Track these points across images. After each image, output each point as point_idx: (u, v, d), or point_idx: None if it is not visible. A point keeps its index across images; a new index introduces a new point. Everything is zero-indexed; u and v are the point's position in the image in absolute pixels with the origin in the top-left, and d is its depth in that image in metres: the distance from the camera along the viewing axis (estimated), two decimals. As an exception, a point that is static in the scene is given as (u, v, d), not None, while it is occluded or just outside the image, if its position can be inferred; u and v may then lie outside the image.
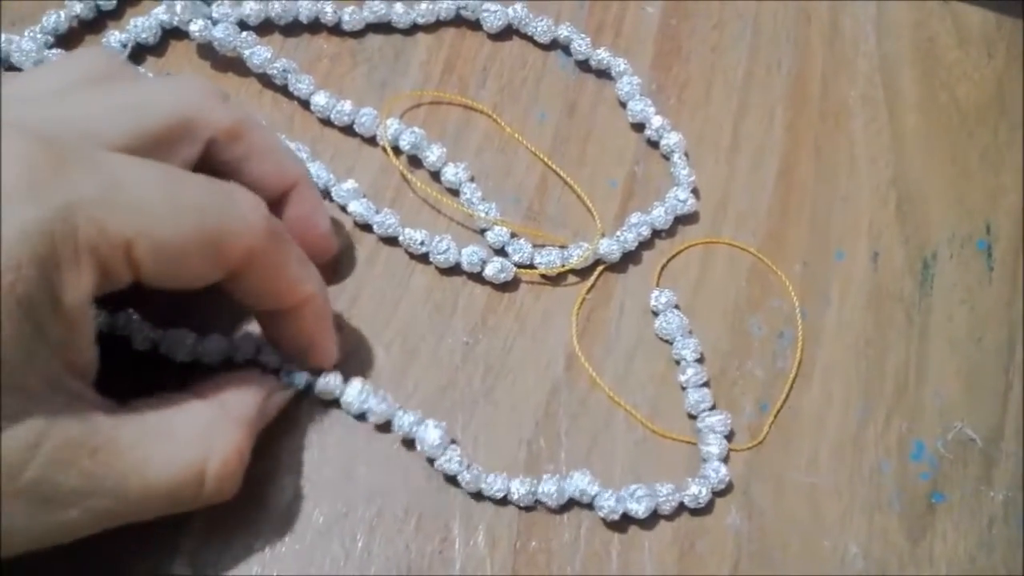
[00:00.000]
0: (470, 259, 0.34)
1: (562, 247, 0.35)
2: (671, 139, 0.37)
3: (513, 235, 0.35)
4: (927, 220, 0.38)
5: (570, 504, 0.31)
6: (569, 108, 0.38)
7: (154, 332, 0.30)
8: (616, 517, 0.31)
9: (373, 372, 0.32)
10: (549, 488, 0.30)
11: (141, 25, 0.36)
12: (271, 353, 0.30)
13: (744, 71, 0.40)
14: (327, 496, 0.30)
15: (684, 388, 0.33)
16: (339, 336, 0.30)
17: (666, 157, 0.38)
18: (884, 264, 0.37)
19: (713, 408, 0.33)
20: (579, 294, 0.35)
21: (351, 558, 0.29)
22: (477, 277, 0.34)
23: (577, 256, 0.34)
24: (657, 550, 0.31)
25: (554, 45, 0.39)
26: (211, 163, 0.29)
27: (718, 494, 0.32)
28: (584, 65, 0.39)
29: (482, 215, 0.35)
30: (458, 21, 0.39)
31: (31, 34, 0.35)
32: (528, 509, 0.31)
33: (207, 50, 0.37)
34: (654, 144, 0.38)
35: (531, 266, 0.35)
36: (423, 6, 0.38)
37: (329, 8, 0.38)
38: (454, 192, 0.36)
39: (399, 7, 0.38)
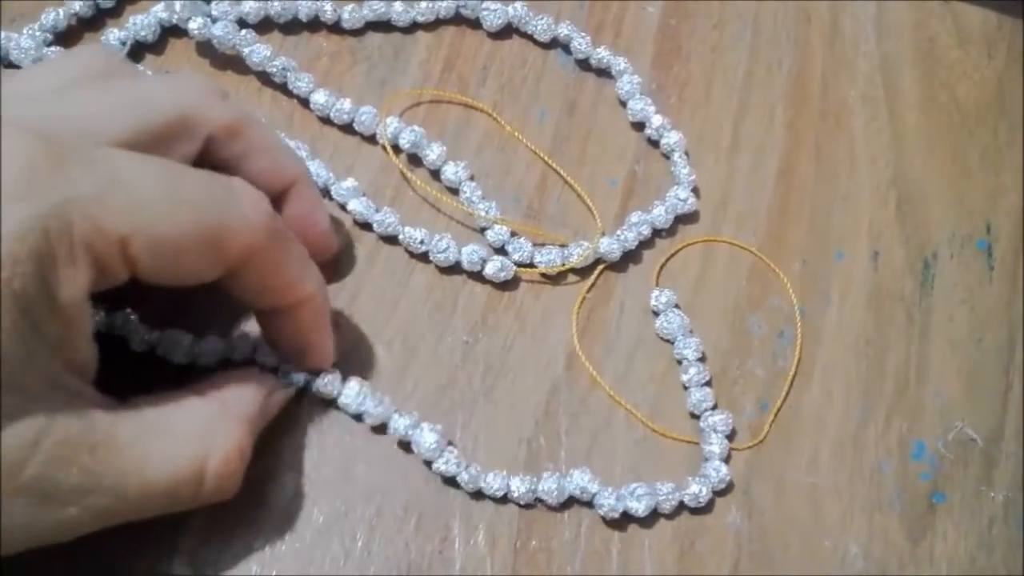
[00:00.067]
0: (470, 258, 0.34)
1: (562, 246, 0.35)
2: (671, 138, 0.37)
3: (513, 234, 0.35)
4: (927, 220, 0.38)
5: (570, 502, 0.31)
6: (569, 107, 0.38)
7: (151, 334, 0.30)
8: (616, 515, 0.30)
9: (373, 371, 0.32)
10: (549, 486, 0.30)
11: (140, 23, 0.36)
12: (268, 354, 0.30)
13: (744, 70, 0.40)
14: (327, 495, 0.30)
15: (686, 388, 0.33)
16: (337, 335, 0.30)
17: (666, 156, 0.37)
18: (884, 264, 0.37)
19: (715, 407, 0.33)
20: (579, 293, 0.35)
21: (351, 557, 0.29)
22: (477, 276, 0.34)
23: (577, 255, 0.34)
24: (657, 549, 0.31)
25: (554, 44, 0.39)
26: (210, 160, 0.29)
27: (718, 494, 0.32)
28: (584, 64, 0.39)
29: (482, 214, 0.34)
30: (458, 19, 0.39)
31: (30, 32, 0.35)
32: (528, 507, 0.31)
33: (206, 48, 0.37)
34: (654, 143, 0.38)
35: (531, 265, 0.34)
36: (423, 4, 0.38)
37: (328, 6, 0.37)
38: (454, 191, 0.36)
39: (399, 5, 0.38)
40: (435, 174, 0.36)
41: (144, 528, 0.26)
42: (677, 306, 0.34)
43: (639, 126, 0.38)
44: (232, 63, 0.37)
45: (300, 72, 0.36)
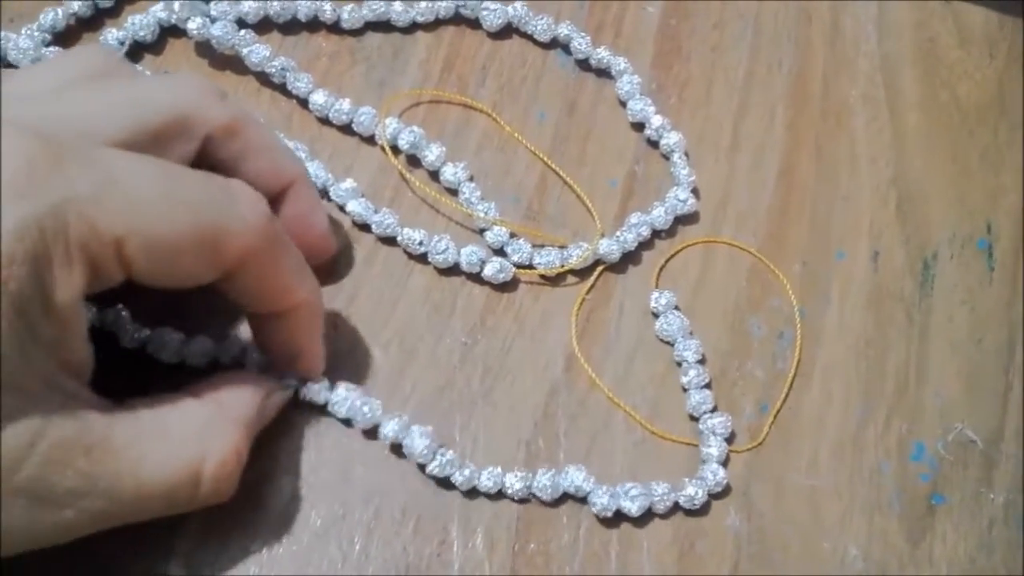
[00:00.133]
0: (469, 259, 0.34)
1: (561, 247, 0.35)
2: (671, 139, 0.37)
3: (512, 235, 0.35)
4: (928, 220, 0.38)
5: (565, 499, 0.31)
6: (569, 107, 0.38)
7: (141, 332, 0.30)
8: (609, 514, 0.30)
9: (371, 372, 0.32)
10: (543, 482, 0.30)
11: (139, 23, 0.36)
12: (257, 357, 0.30)
13: (745, 70, 0.40)
14: (324, 498, 0.30)
15: (686, 390, 0.33)
16: (335, 335, 0.30)
17: (666, 157, 0.37)
18: (884, 264, 0.37)
19: (714, 410, 0.33)
20: (579, 294, 0.34)
21: (348, 560, 0.29)
22: (476, 277, 0.34)
23: (576, 256, 0.34)
24: (656, 551, 0.31)
25: (554, 44, 0.39)
26: (208, 160, 0.28)
27: (715, 496, 0.32)
28: (584, 64, 0.39)
29: (481, 215, 0.34)
30: (457, 19, 0.39)
31: (28, 32, 0.35)
32: (523, 502, 0.31)
33: (205, 48, 0.37)
34: (654, 144, 0.38)
35: (530, 266, 0.34)
36: (422, 5, 0.38)
37: (328, 6, 0.37)
38: (453, 192, 0.35)
39: (398, 6, 0.38)
40: (434, 175, 0.36)
41: (140, 530, 0.25)
42: (677, 308, 0.34)
43: (639, 126, 0.38)
44: (231, 63, 0.37)
45: (299, 72, 0.36)
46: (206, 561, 0.28)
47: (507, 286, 0.34)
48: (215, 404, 0.27)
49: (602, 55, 0.38)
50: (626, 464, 0.32)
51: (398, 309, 0.33)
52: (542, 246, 0.35)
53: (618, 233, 0.35)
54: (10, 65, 0.35)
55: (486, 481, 0.30)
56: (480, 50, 0.39)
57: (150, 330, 0.30)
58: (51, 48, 0.36)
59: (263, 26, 0.38)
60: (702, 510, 0.31)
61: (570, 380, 0.33)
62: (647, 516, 0.31)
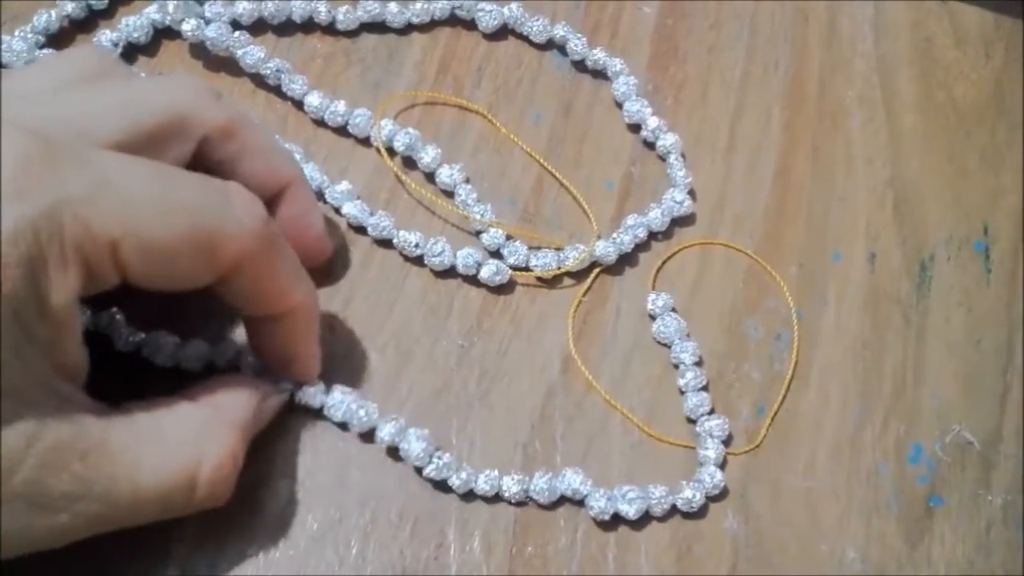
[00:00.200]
0: (465, 261, 0.34)
1: (558, 249, 0.35)
2: (667, 140, 0.37)
3: (509, 237, 0.35)
4: (924, 221, 0.38)
5: (562, 501, 0.31)
6: (565, 109, 0.38)
7: (136, 335, 0.30)
8: (606, 517, 0.30)
9: (367, 375, 0.32)
10: (540, 485, 0.30)
11: (133, 24, 0.36)
12: (252, 360, 0.30)
13: (741, 71, 0.40)
14: (320, 501, 0.30)
15: (683, 392, 0.33)
16: (331, 337, 0.30)
17: (662, 158, 0.37)
18: (881, 265, 0.37)
19: (712, 412, 0.33)
20: (575, 296, 0.34)
21: (345, 564, 0.29)
22: (472, 279, 0.34)
23: (573, 258, 0.34)
24: (654, 554, 0.31)
25: (550, 45, 0.39)
26: (204, 162, 0.28)
27: (713, 499, 0.32)
28: (580, 65, 0.39)
29: (477, 217, 0.34)
30: (453, 21, 0.39)
31: (22, 34, 0.35)
32: (520, 505, 0.31)
33: (199, 50, 0.37)
34: (650, 145, 0.38)
35: (527, 268, 0.34)
36: (418, 6, 0.38)
37: (323, 7, 0.37)
38: (449, 194, 0.35)
39: (393, 6, 0.38)
40: (430, 177, 0.36)
41: (137, 534, 0.25)
42: (674, 310, 0.34)
43: (635, 128, 0.38)
44: (226, 65, 0.37)
45: (294, 74, 0.36)
46: (202, 565, 0.28)
47: (503, 288, 0.34)
48: (211, 408, 0.27)
49: (598, 56, 0.38)
50: (623, 467, 0.32)
51: (394, 311, 0.33)
52: (538, 248, 0.35)
53: (614, 235, 0.35)
54: (3, 67, 0.35)
55: (483, 484, 0.30)
56: (476, 51, 0.39)
57: (145, 333, 0.30)
58: (45, 50, 0.35)
59: (258, 27, 0.37)
60: (700, 513, 0.31)
61: (567, 382, 0.33)
62: (645, 519, 0.31)
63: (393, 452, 0.30)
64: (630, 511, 0.30)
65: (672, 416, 0.33)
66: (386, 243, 0.34)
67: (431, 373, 0.32)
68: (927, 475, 0.33)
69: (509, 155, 0.37)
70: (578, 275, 0.35)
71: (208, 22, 0.36)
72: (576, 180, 0.36)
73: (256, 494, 0.29)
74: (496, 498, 0.31)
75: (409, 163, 0.36)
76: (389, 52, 0.38)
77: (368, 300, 0.33)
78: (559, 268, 0.34)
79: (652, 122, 0.37)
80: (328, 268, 0.33)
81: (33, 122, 0.24)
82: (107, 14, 0.37)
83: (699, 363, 0.33)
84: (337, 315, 0.33)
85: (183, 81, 0.29)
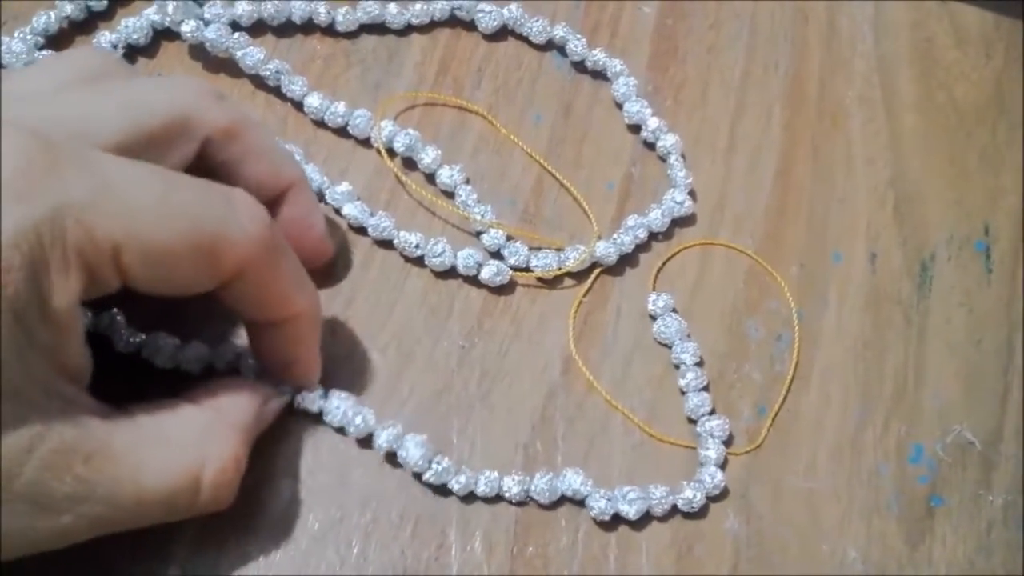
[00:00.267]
0: (466, 262, 0.34)
1: (558, 250, 0.35)
2: (668, 140, 0.37)
3: (509, 238, 0.35)
4: (925, 221, 0.38)
5: (562, 501, 0.31)
6: (565, 109, 0.38)
7: (136, 336, 0.30)
8: (606, 518, 0.30)
9: (368, 376, 0.32)
10: (541, 485, 0.30)
11: (132, 26, 0.36)
12: (252, 363, 0.30)
13: (741, 71, 0.40)
14: (321, 501, 0.30)
15: (684, 392, 0.33)
16: (332, 339, 0.30)
17: (663, 159, 0.37)
18: (882, 266, 0.37)
19: (712, 412, 0.33)
20: (576, 297, 0.34)
21: (346, 564, 0.29)
22: (473, 280, 0.34)
23: (573, 259, 0.34)
24: (655, 554, 0.31)
25: (550, 46, 0.39)
26: (207, 163, 0.28)
27: (713, 499, 0.32)
28: (580, 66, 0.39)
29: (478, 218, 0.34)
30: (453, 21, 0.39)
31: (21, 35, 0.35)
32: (520, 504, 0.31)
33: (199, 51, 0.37)
34: (650, 145, 0.38)
35: (527, 269, 0.34)
36: (417, 6, 0.38)
37: (322, 9, 0.37)
38: (449, 194, 0.35)
39: (393, 7, 0.38)
40: (430, 178, 0.36)
41: (138, 534, 0.25)
42: (674, 310, 0.34)
43: (635, 128, 0.38)
44: (225, 66, 0.37)
45: (294, 75, 0.36)
46: (204, 565, 0.28)
47: (504, 289, 0.34)
48: (214, 410, 0.27)
49: (598, 57, 0.38)
50: (624, 467, 0.32)
51: (395, 312, 0.33)
52: (539, 249, 0.35)
53: (615, 235, 0.35)
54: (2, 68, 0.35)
55: (483, 487, 0.30)
56: (475, 52, 0.39)
57: (145, 335, 0.30)
58: (44, 51, 0.35)
59: (257, 29, 0.37)
60: (701, 513, 0.31)
61: (568, 383, 0.33)
62: (645, 519, 0.31)
63: (391, 458, 0.30)
64: (630, 511, 0.30)
65: (673, 416, 0.33)
66: (387, 244, 0.34)
67: (432, 374, 0.32)
68: (928, 475, 0.33)
69: (509, 156, 0.37)
70: (579, 276, 0.35)
71: (207, 23, 0.36)
72: (576, 181, 0.36)
73: (257, 494, 0.29)
74: (497, 499, 0.31)
75: (409, 164, 0.36)
76: (389, 53, 0.38)
77: (369, 301, 0.33)
78: (560, 269, 0.34)
79: (652, 123, 0.37)
80: (329, 269, 0.33)
81: (34, 123, 0.23)
82: (106, 15, 0.37)
83: (700, 363, 0.33)
84: (338, 315, 0.33)
85: (186, 82, 0.29)
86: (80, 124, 0.25)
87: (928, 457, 0.33)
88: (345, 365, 0.32)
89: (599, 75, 0.39)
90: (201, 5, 0.37)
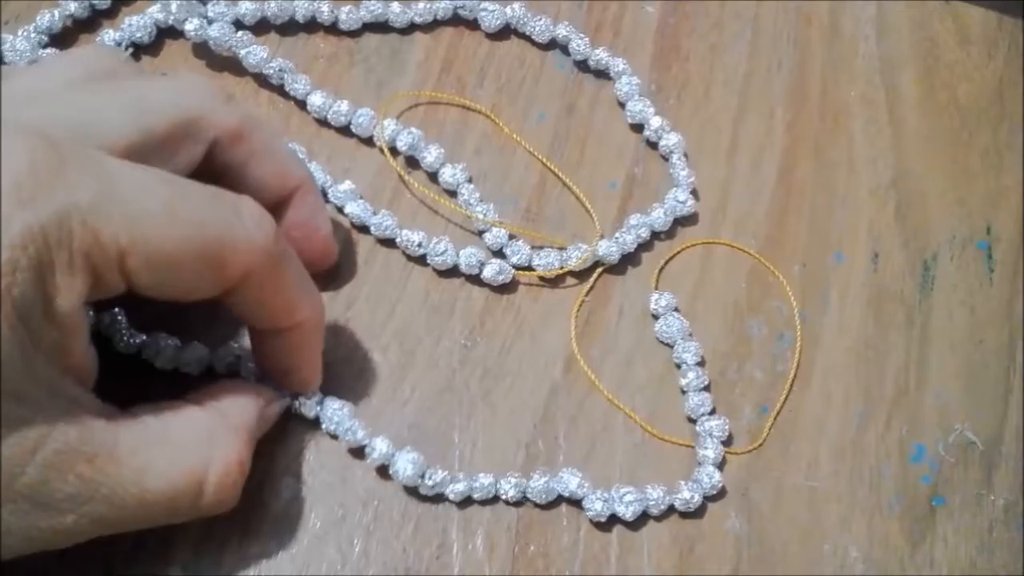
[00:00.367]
0: (468, 261, 0.34)
1: (561, 249, 0.35)
2: (670, 140, 0.37)
3: (511, 237, 0.35)
4: (927, 221, 0.38)
5: (559, 501, 0.31)
6: (568, 108, 0.38)
7: (136, 337, 0.30)
8: (603, 519, 0.30)
9: (370, 374, 0.32)
10: (538, 487, 0.30)
11: (136, 24, 0.36)
12: (252, 365, 0.30)
13: (744, 71, 0.40)
14: (323, 499, 0.30)
15: (684, 392, 0.33)
16: (335, 342, 0.30)
17: (665, 158, 0.37)
18: (884, 265, 0.37)
19: (713, 412, 0.33)
20: (578, 296, 0.34)
21: (348, 562, 0.29)
22: (475, 279, 0.34)
23: (576, 258, 0.34)
24: (656, 553, 0.31)
25: (552, 45, 0.39)
26: (214, 164, 0.28)
27: (710, 499, 0.32)
28: (583, 65, 0.39)
29: (480, 216, 0.34)
30: (456, 20, 0.39)
31: (24, 33, 0.35)
32: (518, 505, 0.31)
33: (202, 50, 0.37)
34: (653, 145, 0.38)
35: (529, 268, 0.34)
36: (420, 5, 0.38)
37: (325, 7, 0.37)
38: (452, 193, 0.35)
39: (396, 6, 0.38)
40: (433, 176, 0.36)
41: (141, 534, 0.26)
42: (676, 309, 0.34)
43: (638, 128, 0.38)
44: (229, 65, 0.37)
45: (297, 74, 0.36)
46: (206, 562, 0.28)
47: (506, 288, 0.34)
48: (217, 412, 0.27)
49: (601, 56, 0.38)
50: (625, 466, 0.32)
51: (397, 311, 0.33)
52: (541, 248, 0.35)
53: (617, 234, 0.35)
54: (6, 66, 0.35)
55: (479, 493, 0.30)
56: (478, 51, 0.39)
57: (145, 336, 0.30)
58: (48, 49, 0.35)
59: (261, 27, 0.37)
60: (702, 512, 0.31)
61: (569, 382, 0.33)
62: (646, 518, 0.31)
63: (383, 471, 0.30)
64: (627, 513, 0.30)
65: (674, 416, 0.33)
66: (389, 242, 0.34)
67: (434, 372, 0.32)
68: (929, 475, 0.33)
69: (512, 155, 0.37)
70: (581, 275, 0.35)
71: (211, 22, 0.36)
72: (579, 180, 0.36)
73: (259, 493, 0.29)
74: (495, 500, 0.31)
75: (412, 163, 0.36)
76: (392, 52, 0.38)
77: (371, 299, 0.33)
78: (562, 268, 0.34)
79: (655, 122, 0.37)
80: (331, 268, 0.33)
81: (42, 123, 0.23)
82: (110, 14, 0.37)
83: (701, 363, 0.33)
84: (340, 314, 0.33)
85: (194, 82, 0.29)
86: (87, 125, 0.25)
87: (930, 457, 0.33)
88: (347, 363, 0.32)
89: (602, 74, 0.39)
90: (204, 3, 0.37)
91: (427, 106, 0.37)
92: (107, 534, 0.24)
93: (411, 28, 0.39)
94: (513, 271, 0.34)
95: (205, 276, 0.24)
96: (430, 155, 0.35)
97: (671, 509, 0.31)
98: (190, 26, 0.36)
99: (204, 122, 0.27)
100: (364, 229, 0.34)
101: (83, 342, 0.23)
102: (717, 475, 0.31)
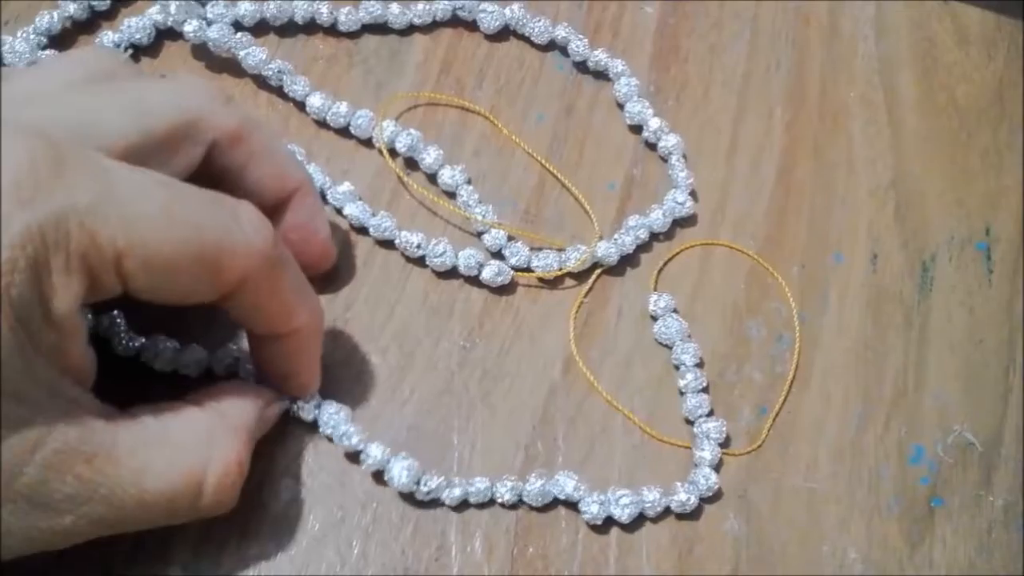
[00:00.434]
0: (467, 262, 0.34)
1: (559, 250, 0.35)
2: (669, 141, 0.37)
3: (510, 238, 0.35)
4: (926, 222, 0.38)
5: (556, 503, 0.31)
6: (567, 110, 0.38)
7: (135, 340, 0.30)
8: (599, 522, 0.30)
9: (369, 376, 0.32)
10: (534, 490, 0.30)
11: (135, 25, 0.36)
12: (250, 367, 0.30)
13: (743, 72, 0.40)
14: (322, 501, 0.30)
15: (683, 393, 0.33)
16: (334, 345, 0.30)
17: (664, 159, 0.37)
18: (883, 266, 0.37)
19: (711, 414, 0.33)
20: (577, 297, 0.34)
21: (347, 563, 0.29)
22: (474, 280, 0.34)
23: (575, 259, 0.34)
24: (655, 555, 0.31)
25: (551, 46, 0.39)
26: (213, 166, 0.28)
27: (709, 500, 0.32)
28: (582, 66, 0.39)
29: (479, 218, 0.34)
30: (455, 22, 0.39)
31: (24, 35, 0.35)
32: (513, 507, 0.31)
33: (202, 51, 0.37)
34: (652, 146, 0.38)
35: (528, 269, 0.34)
36: (419, 6, 0.38)
37: (324, 8, 0.37)
38: (451, 194, 0.35)
39: (395, 7, 0.38)
40: (432, 178, 0.36)
41: (140, 535, 0.26)
42: (675, 311, 0.34)
43: (637, 129, 0.38)
44: (228, 66, 0.37)
45: (296, 75, 0.36)
46: (205, 563, 0.28)
47: (505, 289, 0.34)
48: (217, 413, 0.27)
49: (600, 57, 0.38)
50: (624, 467, 0.32)
51: (396, 312, 0.33)
52: (540, 249, 0.35)
53: (616, 236, 0.35)
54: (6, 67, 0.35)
55: (475, 498, 0.30)
56: (477, 52, 0.39)
57: (144, 338, 0.30)
58: (47, 51, 0.35)
59: (260, 28, 0.37)
60: (701, 513, 0.31)
61: (568, 383, 0.33)
62: (649, 521, 0.31)
63: (379, 476, 0.30)
64: (623, 515, 0.30)
65: (673, 417, 0.33)
66: (388, 244, 0.34)
67: (433, 373, 0.32)
68: (928, 476, 0.33)
69: (511, 156, 0.37)
70: (579, 276, 0.35)
71: (210, 23, 0.36)
72: (578, 181, 0.36)
73: (258, 494, 0.29)
74: (492, 502, 0.31)
75: (411, 164, 0.36)
76: (391, 53, 0.38)
77: (370, 301, 0.33)
78: (561, 269, 0.34)
79: (654, 123, 0.37)
80: (330, 270, 0.33)
81: (41, 124, 0.23)
82: (109, 15, 0.37)
83: (700, 364, 0.33)
84: (339, 316, 0.33)
85: (194, 84, 0.29)
86: (86, 126, 0.25)
87: (929, 458, 0.33)
88: (346, 365, 0.32)
89: (601, 75, 0.39)
90: (204, 5, 0.37)
91: (426, 107, 0.37)
92: (106, 535, 0.24)
93: (410, 29, 0.39)
94: (512, 272, 0.34)
95: (202, 280, 0.24)
96: (429, 156, 0.35)
97: (667, 511, 0.31)
98: (189, 27, 0.36)
99: (203, 124, 0.27)
100: (363, 230, 0.34)
101: (81, 343, 0.23)
102: (713, 477, 0.31)
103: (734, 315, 0.35)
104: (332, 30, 0.38)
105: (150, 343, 0.30)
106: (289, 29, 0.38)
